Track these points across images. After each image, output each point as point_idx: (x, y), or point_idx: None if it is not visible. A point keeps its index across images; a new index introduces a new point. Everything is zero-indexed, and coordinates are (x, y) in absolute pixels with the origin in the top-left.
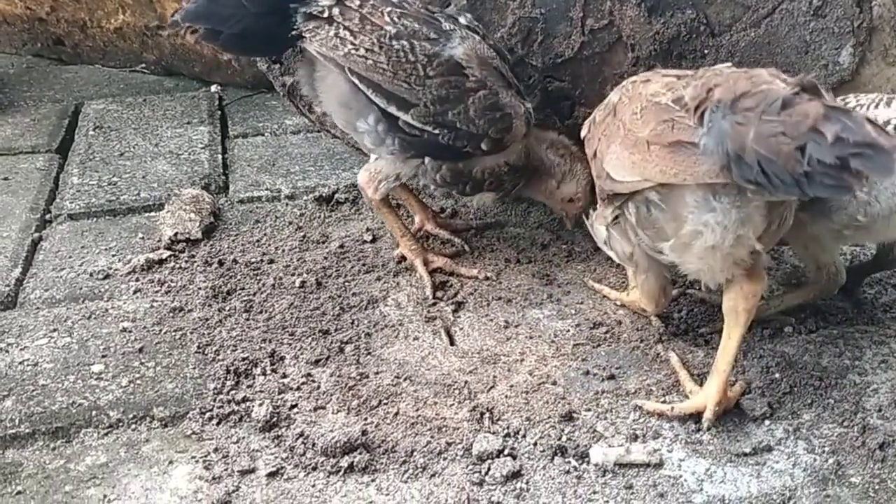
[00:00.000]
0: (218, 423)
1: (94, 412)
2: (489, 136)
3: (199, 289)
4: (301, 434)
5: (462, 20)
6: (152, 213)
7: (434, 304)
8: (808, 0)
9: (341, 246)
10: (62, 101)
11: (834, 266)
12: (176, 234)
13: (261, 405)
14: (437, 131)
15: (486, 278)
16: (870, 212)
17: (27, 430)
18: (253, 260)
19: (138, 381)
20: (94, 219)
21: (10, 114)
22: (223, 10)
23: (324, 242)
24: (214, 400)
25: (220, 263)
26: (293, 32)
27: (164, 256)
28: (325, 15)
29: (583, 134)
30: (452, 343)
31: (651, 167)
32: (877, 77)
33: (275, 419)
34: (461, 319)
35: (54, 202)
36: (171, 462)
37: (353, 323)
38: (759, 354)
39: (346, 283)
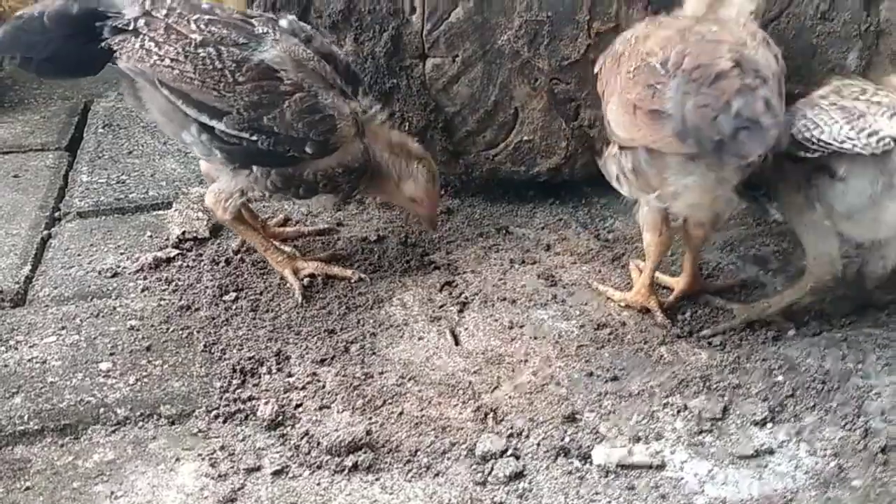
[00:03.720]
0: (224, 422)
1: (101, 409)
2: (311, 139)
3: (207, 287)
4: (306, 433)
5: (283, 22)
6: (161, 212)
7: (441, 305)
8: (814, 4)
9: (347, 246)
10: (72, 99)
11: (828, 256)
12: (184, 233)
13: (266, 404)
14: (254, 137)
15: (360, 279)
16: (846, 203)
17: (36, 427)
18: (260, 259)
19: (146, 380)
20: (103, 217)
21: (20, 111)
22: (29, 38)
23: (330, 242)
24: (220, 398)
25: (227, 262)
26: (102, 47)
27: (171, 255)
28: (131, 27)
29: (596, 69)
30: (457, 343)
31: (637, 130)
32: (884, 80)
33: (280, 418)
34: (466, 319)
35: (63, 200)
36: (177, 459)
37: (358, 322)
38: (762, 357)
39: (354, 284)
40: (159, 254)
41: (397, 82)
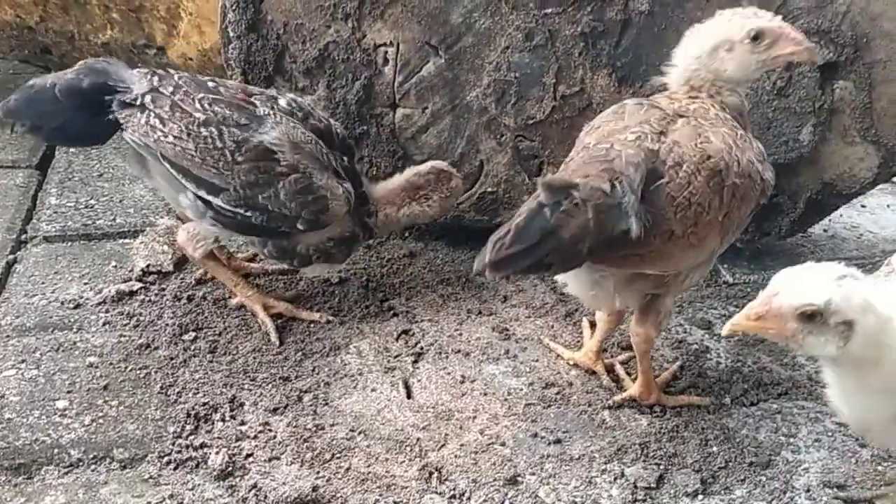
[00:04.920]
0: (175, 469)
1: (56, 450)
2: (303, 217)
3: (167, 325)
4: (254, 486)
5: (282, 101)
6: (127, 240)
7: (397, 355)
8: (771, 80)
9: (309, 287)
10: None
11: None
12: (148, 266)
13: (217, 453)
14: (248, 213)
15: (328, 321)
16: None
17: None
18: (222, 297)
19: (101, 420)
20: (69, 242)
21: None
22: (41, 107)
23: (293, 282)
24: (173, 444)
25: (189, 299)
26: (111, 119)
27: (134, 288)
28: (138, 103)
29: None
30: (410, 396)
31: None
32: (835, 155)
33: (230, 468)
34: (420, 371)
35: (31, 223)
36: None
37: (313, 370)
38: (700, 426)
39: (311, 328)
40: (122, 286)
41: (367, 129)
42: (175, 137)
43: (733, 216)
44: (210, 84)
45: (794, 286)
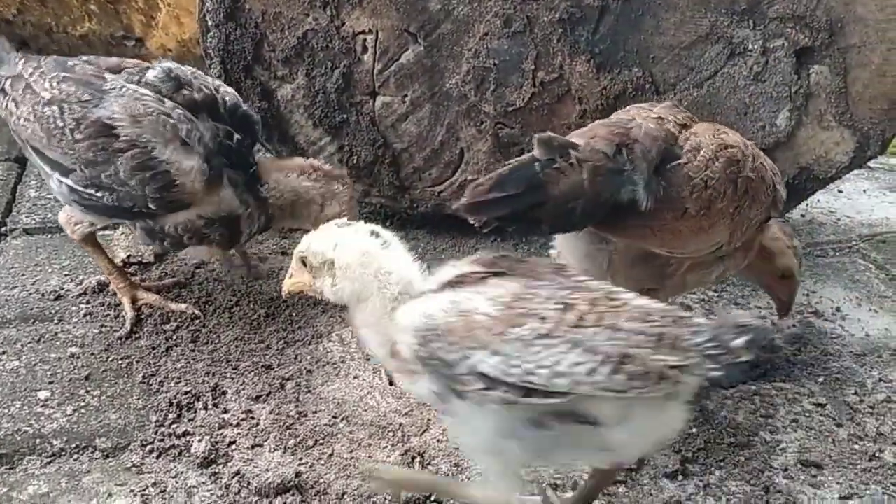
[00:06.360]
0: (158, 457)
1: (38, 440)
2: (148, 195)
3: (149, 315)
4: (237, 472)
5: (151, 73)
6: (107, 232)
7: None
8: (748, 65)
9: None
10: None
11: None
12: (129, 257)
13: (200, 441)
14: (99, 194)
15: (195, 316)
16: None
17: None
18: (204, 287)
19: (83, 410)
20: (49, 234)
21: None
22: None
23: (275, 272)
24: (156, 433)
25: (171, 289)
26: None
27: None
28: (2, 86)
29: None
30: (392, 383)
31: None
32: (811, 140)
33: (213, 455)
34: None
35: (10, 215)
36: (110, 495)
37: (296, 358)
38: None
39: (293, 316)
40: (103, 278)
41: (347, 117)
42: (25, 119)
43: (743, 214)
44: (71, 62)
45: (305, 239)
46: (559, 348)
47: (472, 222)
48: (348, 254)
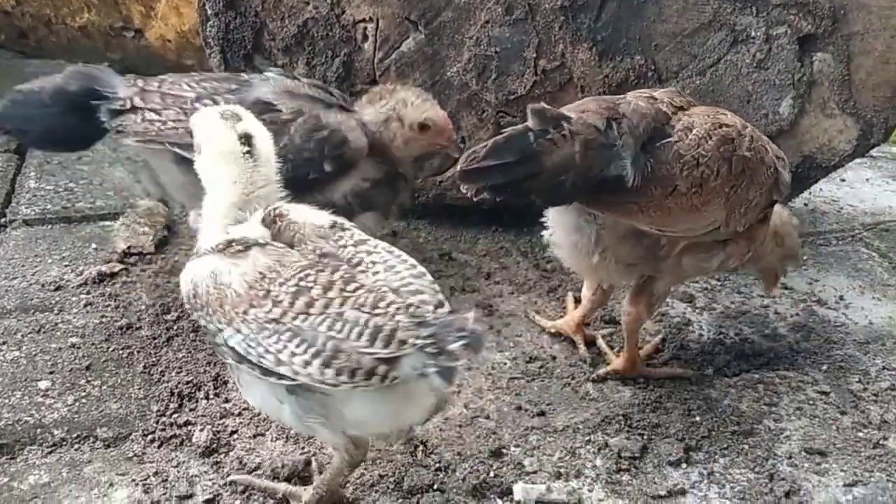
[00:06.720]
0: (159, 446)
1: (38, 430)
2: (326, 155)
3: (149, 305)
4: (240, 461)
5: (270, 73)
6: (107, 223)
7: None
8: (751, 53)
9: None
10: None
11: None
12: (129, 248)
13: (202, 430)
14: None
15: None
16: None
17: None
18: None
19: (84, 400)
20: (49, 225)
21: None
22: (27, 111)
23: None
24: (157, 422)
25: (170, 279)
26: (97, 125)
27: (116, 269)
28: (128, 106)
29: None
30: None
31: None
32: (814, 128)
33: (215, 445)
34: None
35: (10, 206)
36: (111, 484)
37: None
38: (682, 396)
39: None
40: (104, 268)
41: None
42: (174, 121)
43: (741, 194)
44: (193, 74)
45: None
46: (284, 336)
47: (464, 191)
48: (210, 143)
